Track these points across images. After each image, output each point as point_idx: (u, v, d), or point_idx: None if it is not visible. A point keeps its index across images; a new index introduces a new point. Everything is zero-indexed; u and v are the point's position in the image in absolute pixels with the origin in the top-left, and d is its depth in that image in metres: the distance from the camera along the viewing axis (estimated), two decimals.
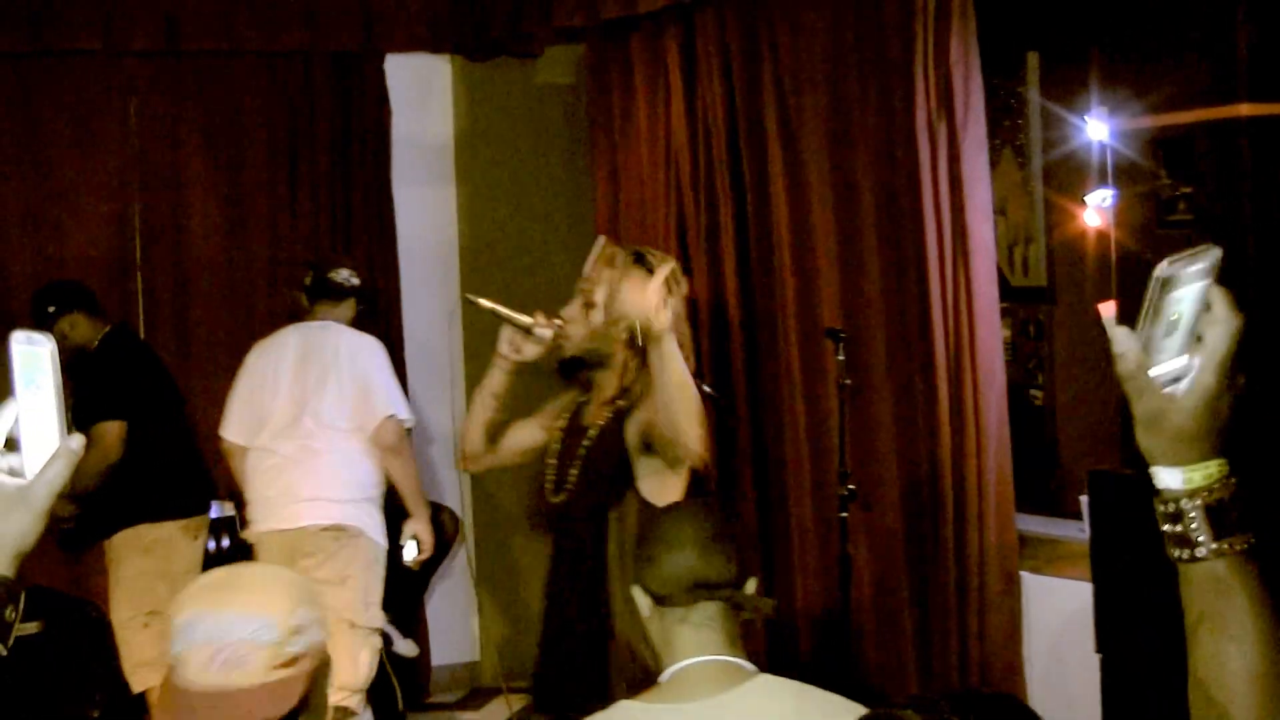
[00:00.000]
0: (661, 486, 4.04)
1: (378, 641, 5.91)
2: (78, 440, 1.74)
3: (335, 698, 5.50)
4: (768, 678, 2.75)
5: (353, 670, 5.73)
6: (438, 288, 7.44)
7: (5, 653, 1.72)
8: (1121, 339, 1.60)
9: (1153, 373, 1.60)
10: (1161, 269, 1.60)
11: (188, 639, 2.43)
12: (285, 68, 7.14)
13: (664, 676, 2.80)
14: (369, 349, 6.00)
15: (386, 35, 7.21)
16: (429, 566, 6.84)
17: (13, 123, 6.72)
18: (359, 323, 6.11)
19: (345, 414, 5.88)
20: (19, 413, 1.72)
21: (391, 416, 5.89)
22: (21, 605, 1.75)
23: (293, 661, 2.43)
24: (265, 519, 5.88)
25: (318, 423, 5.87)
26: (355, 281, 6.12)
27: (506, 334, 4.40)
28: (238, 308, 7.13)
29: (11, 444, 1.72)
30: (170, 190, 7.01)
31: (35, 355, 1.72)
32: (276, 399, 5.92)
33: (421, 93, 7.45)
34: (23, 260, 6.80)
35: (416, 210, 7.42)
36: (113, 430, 5.92)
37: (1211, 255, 1.59)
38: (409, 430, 6.04)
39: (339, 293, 6.08)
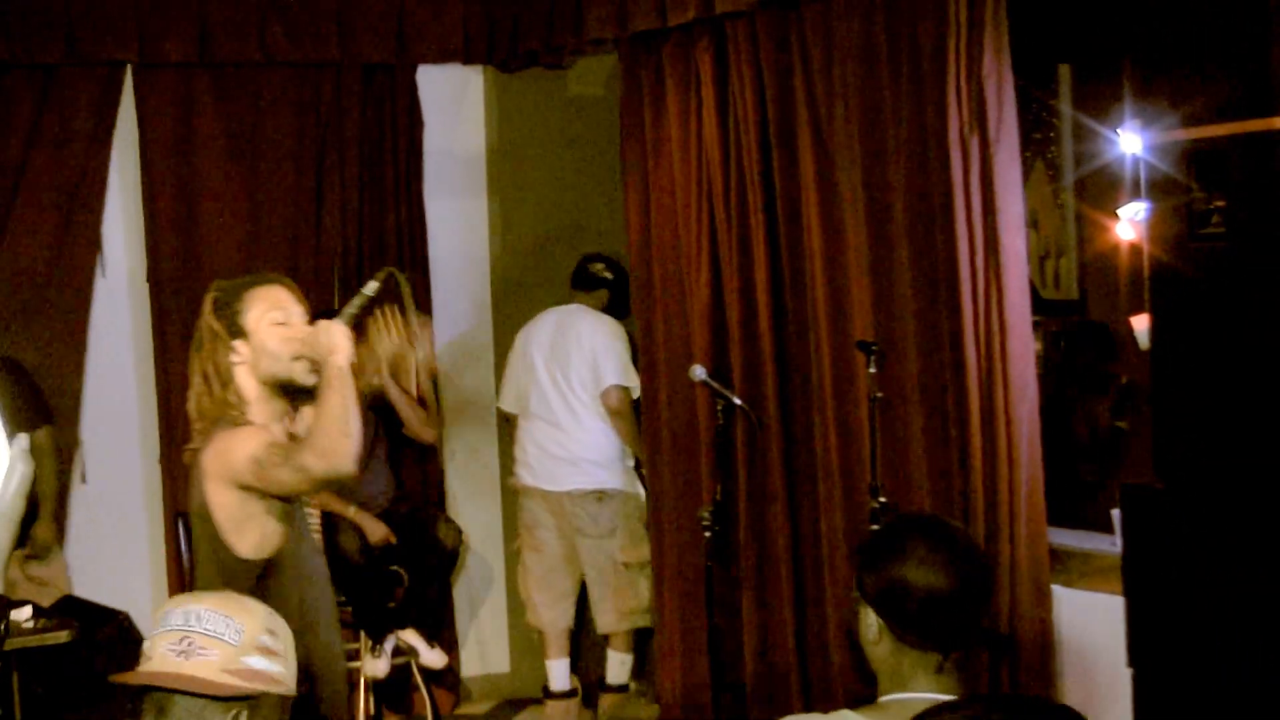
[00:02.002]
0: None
1: (648, 573, 6.80)
2: (23, 439, 1.81)
3: (625, 622, 6.89)
4: None
5: (634, 597, 6.87)
6: (470, 300, 7.46)
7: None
8: None
9: None
10: None
11: (162, 625, 2.60)
12: (317, 79, 7.14)
13: (885, 699, 2.74)
14: (604, 328, 6.86)
15: (419, 46, 7.21)
16: (439, 574, 6.93)
17: (43, 132, 6.73)
18: (612, 310, 6.98)
19: (586, 386, 6.79)
20: None
21: (616, 385, 6.74)
22: (8, 613, 1.82)
23: (248, 675, 2.57)
24: (531, 477, 6.92)
25: (567, 394, 6.79)
26: (607, 275, 7.00)
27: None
28: None
29: None
30: (198, 201, 7.00)
31: None
32: (533, 373, 6.85)
33: (453, 104, 7.45)
34: (44, 266, 6.79)
35: (448, 222, 7.43)
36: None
37: None
38: (635, 399, 6.80)
39: (591, 282, 6.98)
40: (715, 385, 5.82)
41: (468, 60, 7.36)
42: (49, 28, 6.55)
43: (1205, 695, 4.33)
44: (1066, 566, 5.33)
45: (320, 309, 6.56)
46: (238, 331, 3.90)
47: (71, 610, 6.20)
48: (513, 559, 7.32)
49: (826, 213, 5.70)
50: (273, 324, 3.91)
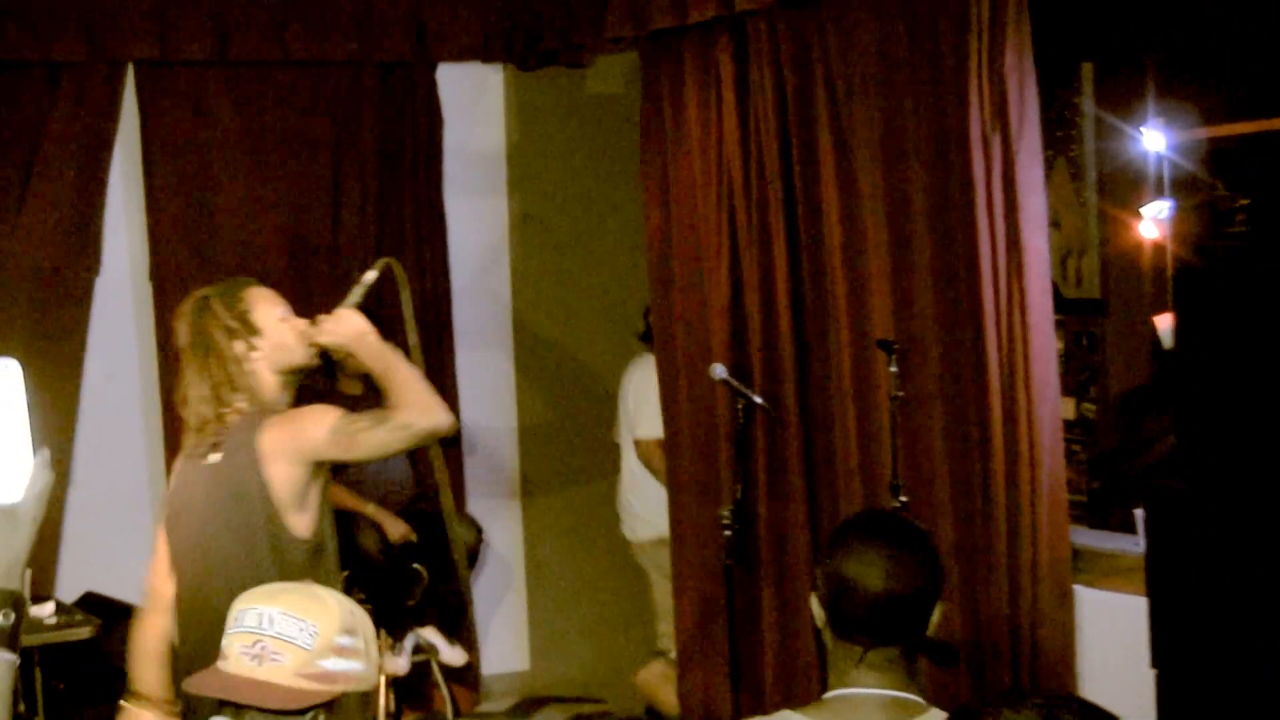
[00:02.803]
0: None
1: None
2: (46, 453, 1.82)
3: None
4: (937, 713, 2.70)
5: None
6: (489, 298, 7.46)
7: (18, 659, 1.79)
8: None
9: None
10: None
11: (237, 625, 2.56)
12: (335, 77, 7.14)
13: (829, 695, 2.74)
14: (645, 376, 6.78)
15: (438, 45, 7.21)
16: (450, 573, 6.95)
17: (64, 130, 6.74)
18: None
19: (626, 437, 6.92)
20: None
21: (643, 438, 6.80)
22: (26, 610, 1.83)
23: (324, 678, 2.52)
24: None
25: (624, 447, 6.97)
26: None
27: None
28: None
29: None
30: (209, 200, 6.99)
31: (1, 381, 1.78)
32: (620, 422, 7.02)
33: (473, 103, 7.46)
34: (49, 264, 6.75)
35: (467, 221, 7.44)
36: None
37: None
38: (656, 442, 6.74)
39: (648, 333, 6.85)
40: (735, 384, 5.80)
41: (487, 59, 7.36)
42: (65, 25, 6.54)
43: (1229, 696, 4.31)
44: (1089, 566, 5.32)
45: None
46: (252, 329, 4.07)
47: (92, 606, 6.22)
48: (532, 556, 7.32)
49: (847, 211, 5.68)
50: (279, 319, 4.12)
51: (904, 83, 5.43)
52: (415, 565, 6.66)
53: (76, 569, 6.64)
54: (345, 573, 6.53)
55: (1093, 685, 5.11)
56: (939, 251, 5.36)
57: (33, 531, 1.84)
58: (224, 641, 2.57)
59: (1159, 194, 4.90)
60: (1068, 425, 5.50)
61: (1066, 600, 5.11)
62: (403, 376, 3.96)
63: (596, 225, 7.39)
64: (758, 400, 5.81)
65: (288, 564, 3.84)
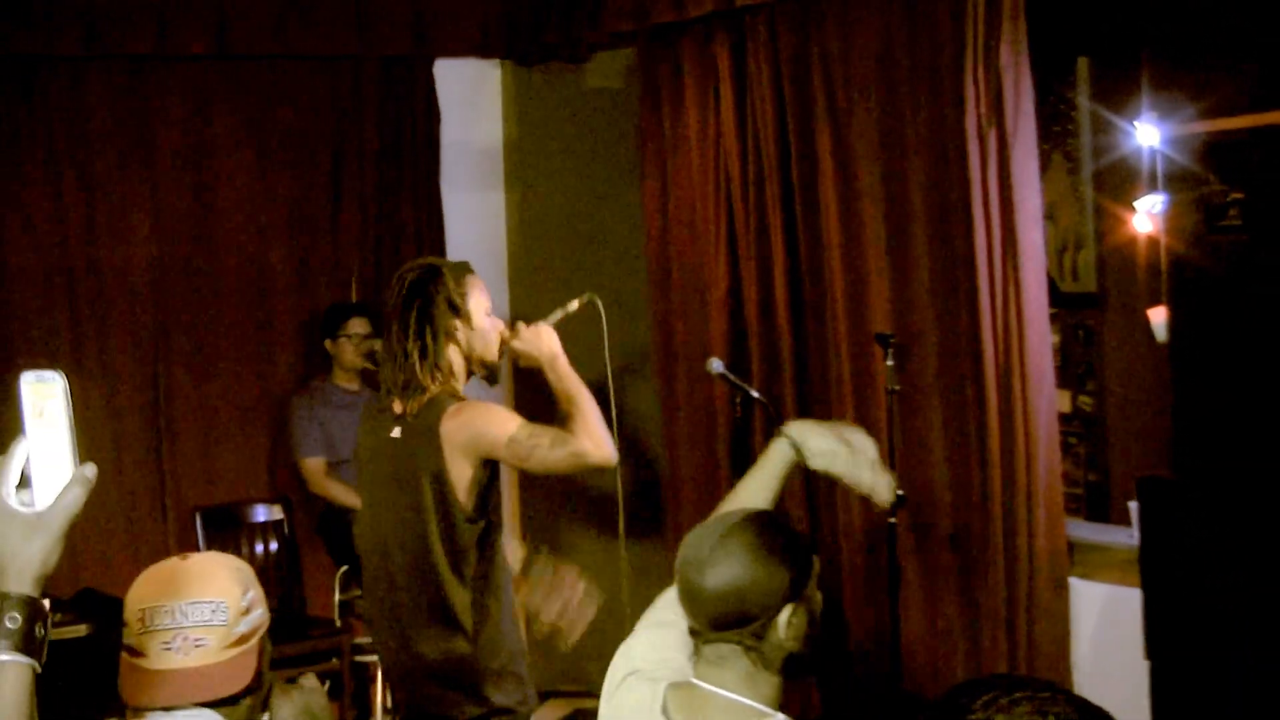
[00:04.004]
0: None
1: None
2: (91, 469, 1.85)
3: None
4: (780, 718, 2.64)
5: None
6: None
7: (40, 669, 1.81)
8: None
9: None
10: None
11: (146, 626, 2.65)
12: (334, 72, 7.16)
13: (686, 679, 2.71)
14: None
15: (436, 40, 7.22)
16: None
17: (63, 125, 6.75)
18: None
19: None
20: (30, 449, 1.81)
21: None
22: (49, 623, 1.84)
23: (243, 640, 2.66)
24: None
25: None
26: None
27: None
28: (285, 313, 7.18)
29: (24, 480, 1.82)
30: (210, 194, 7.00)
31: (47, 391, 1.81)
32: None
33: (471, 98, 7.46)
34: (51, 264, 6.77)
35: (466, 216, 7.43)
36: None
37: None
38: None
39: None
40: (733, 378, 5.80)
41: (486, 54, 7.37)
42: (68, 21, 6.55)
43: (1223, 688, 4.33)
44: (1084, 559, 5.33)
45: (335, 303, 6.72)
46: (461, 312, 4.25)
47: (88, 603, 6.22)
48: (528, 553, 7.32)
49: (844, 206, 5.70)
50: (486, 313, 4.33)
51: (901, 78, 5.45)
52: None
53: (74, 564, 6.65)
54: (343, 567, 6.59)
55: (1088, 677, 5.13)
56: (936, 246, 5.39)
57: (51, 543, 1.85)
58: (135, 642, 2.64)
59: (1153, 188, 4.90)
60: (1064, 418, 5.51)
61: (1062, 592, 5.13)
62: (586, 408, 4.14)
63: (594, 220, 7.38)
64: (756, 394, 5.81)
65: (456, 542, 4.11)
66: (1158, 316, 4.95)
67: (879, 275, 5.57)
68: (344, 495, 6.61)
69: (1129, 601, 4.76)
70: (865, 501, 5.63)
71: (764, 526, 2.69)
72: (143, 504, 6.87)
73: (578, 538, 7.15)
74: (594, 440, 4.11)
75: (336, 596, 6.75)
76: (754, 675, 2.63)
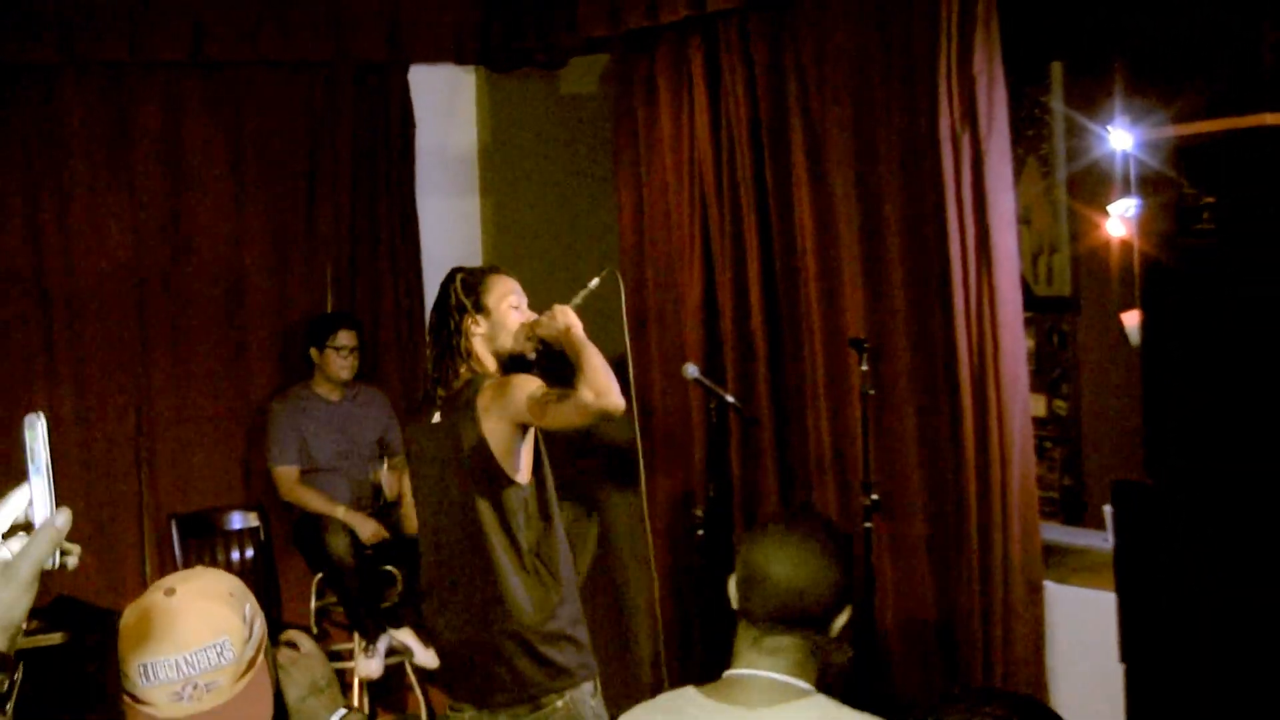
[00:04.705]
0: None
1: None
2: (63, 516, 1.79)
3: None
4: (821, 699, 2.76)
5: None
6: None
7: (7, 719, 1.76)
8: None
9: None
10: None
11: (150, 680, 2.45)
12: (309, 79, 7.15)
13: (727, 674, 2.82)
14: None
15: (411, 46, 7.22)
16: None
17: (38, 132, 6.72)
18: None
19: None
20: (32, 495, 1.77)
21: None
22: (18, 675, 1.79)
23: (252, 663, 2.51)
24: None
25: None
26: None
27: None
28: (261, 319, 7.16)
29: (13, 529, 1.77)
30: (186, 200, 6.99)
31: (37, 435, 1.77)
32: None
33: (446, 104, 7.46)
34: (27, 271, 6.75)
35: (441, 222, 7.44)
36: None
37: None
38: None
39: None
40: (708, 383, 5.81)
41: (460, 60, 7.37)
42: (42, 28, 6.52)
43: (1197, 691, 4.34)
44: (1059, 562, 5.34)
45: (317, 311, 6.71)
46: (480, 308, 4.67)
47: (64, 611, 6.19)
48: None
49: (818, 210, 5.71)
50: (510, 307, 4.71)
51: (874, 82, 5.46)
52: (388, 567, 6.66)
53: (49, 574, 6.61)
54: (319, 575, 6.58)
55: (1063, 680, 5.14)
56: (910, 250, 5.39)
57: (16, 594, 1.78)
58: (139, 694, 2.45)
59: (1126, 192, 4.92)
60: (1039, 422, 5.53)
61: (1037, 595, 5.13)
62: (591, 364, 4.41)
63: (569, 226, 7.38)
64: (730, 399, 5.82)
65: (503, 507, 4.49)
66: (1131, 320, 4.96)
67: (853, 280, 5.57)
68: (316, 502, 6.60)
69: (1104, 605, 4.76)
70: (840, 505, 5.66)
71: (831, 529, 2.87)
72: (119, 511, 6.85)
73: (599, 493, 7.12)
74: (596, 389, 4.34)
75: (313, 604, 6.74)
76: (804, 665, 2.78)
